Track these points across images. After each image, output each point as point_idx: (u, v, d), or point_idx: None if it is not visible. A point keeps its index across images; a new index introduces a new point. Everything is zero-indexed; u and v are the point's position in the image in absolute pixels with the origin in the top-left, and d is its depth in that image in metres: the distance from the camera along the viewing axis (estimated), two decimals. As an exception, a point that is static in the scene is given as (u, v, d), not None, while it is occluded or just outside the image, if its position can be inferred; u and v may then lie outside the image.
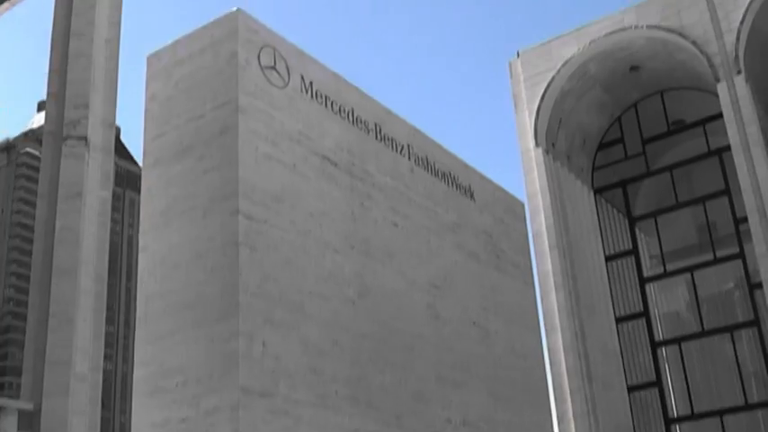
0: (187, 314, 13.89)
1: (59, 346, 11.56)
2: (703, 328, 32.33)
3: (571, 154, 33.99)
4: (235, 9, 15.40)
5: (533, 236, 29.72)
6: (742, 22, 29.77)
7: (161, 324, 14.18)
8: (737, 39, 29.72)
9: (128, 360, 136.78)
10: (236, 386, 12.94)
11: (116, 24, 13.55)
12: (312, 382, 14.23)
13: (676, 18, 31.21)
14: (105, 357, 12.95)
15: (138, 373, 14.20)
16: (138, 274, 14.98)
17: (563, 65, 32.85)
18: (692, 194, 33.75)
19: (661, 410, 31.97)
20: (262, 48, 15.50)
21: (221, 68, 15.01)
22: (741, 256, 31.55)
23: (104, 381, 12.58)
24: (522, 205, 23.70)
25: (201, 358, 13.44)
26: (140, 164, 16.72)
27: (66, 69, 12.77)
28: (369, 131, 17.77)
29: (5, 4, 15.64)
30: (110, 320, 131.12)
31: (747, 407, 30.80)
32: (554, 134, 33.06)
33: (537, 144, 32.36)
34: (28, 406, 11.59)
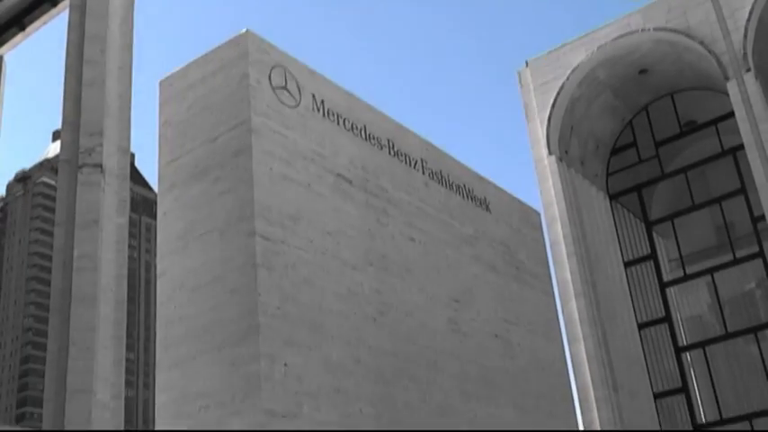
0: (207, 338, 13.84)
1: (80, 375, 11.51)
2: (727, 331, 32.06)
3: (585, 160, 33.87)
4: (244, 30, 15.41)
5: (551, 245, 29.62)
6: (749, 20, 29.65)
7: (181, 349, 14.13)
8: (745, 36, 29.59)
9: (149, 386, 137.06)
10: (259, 408, 12.86)
11: (129, 51, 13.54)
12: (336, 402, 14.15)
13: (682, 19, 31.11)
14: (126, 384, 12.89)
15: (161, 399, 14.16)
16: (156, 299, 14.96)
17: (572, 72, 32.77)
18: (709, 195, 33.54)
19: (689, 417, 31.67)
20: (272, 68, 15.50)
21: (233, 90, 15.01)
22: (761, 255, 31.32)
23: (126, 408, 12.51)
24: (538, 214, 23.61)
25: (223, 382, 13.38)
26: (155, 189, 16.73)
27: (81, 97, 12.76)
28: (382, 147, 17.73)
29: (19, 36, 15.69)
30: (130, 347, 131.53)
31: (776, 409, 30.52)
32: (566, 141, 32.96)
33: (550, 152, 32.23)
34: (51, 436, 11.57)
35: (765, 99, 29.34)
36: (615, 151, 35.35)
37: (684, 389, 31.98)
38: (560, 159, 32.29)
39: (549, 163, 32.16)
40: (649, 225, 34.49)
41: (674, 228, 33.98)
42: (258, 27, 14.93)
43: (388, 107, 18.38)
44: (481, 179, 20.86)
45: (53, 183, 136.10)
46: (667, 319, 32.98)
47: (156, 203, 16.11)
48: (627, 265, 33.74)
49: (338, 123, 16.68)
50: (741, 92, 29.30)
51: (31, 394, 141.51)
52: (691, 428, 31.43)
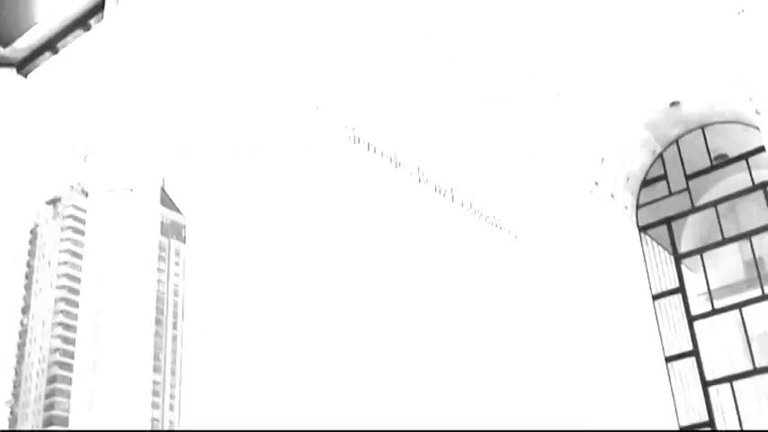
0: (233, 362, 13.89)
1: (106, 395, 11.60)
2: (755, 366, 31.73)
3: (615, 192, 33.74)
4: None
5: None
6: (781, 53, 29.55)
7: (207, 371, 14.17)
8: (777, 70, 29.48)
9: (174, 408, 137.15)
10: None
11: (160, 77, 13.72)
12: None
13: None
14: (152, 405, 12.96)
15: (186, 420, 14.21)
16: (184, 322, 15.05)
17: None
18: (738, 230, 33.25)
19: (715, 452, 31.37)
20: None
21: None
22: (790, 291, 31.06)
23: (151, 429, 12.58)
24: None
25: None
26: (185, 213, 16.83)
27: (113, 122, 12.95)
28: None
29: (52, 59, 15.91)
30: (156, 369, 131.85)
31: (804, 446, 30.15)
32: (596, 172, 32.86)
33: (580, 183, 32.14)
34: (77, 456, 11.63)
35: (797, 134, 29.14)
36: (645, 183, 35.19)
37: (711, 423, 31.63)
38: (590, 191, 32.20)
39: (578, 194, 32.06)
40: (678, 258, 34.25)
41: (702, 262, 33.72)
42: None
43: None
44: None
45: (83, 206, 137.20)
46: (695, 352, 32.69)
47: (185, 227, 16.24)
48: (655, 297, 33.52)
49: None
50: (772, 126, 29.14)
51: (57, 414, 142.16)
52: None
